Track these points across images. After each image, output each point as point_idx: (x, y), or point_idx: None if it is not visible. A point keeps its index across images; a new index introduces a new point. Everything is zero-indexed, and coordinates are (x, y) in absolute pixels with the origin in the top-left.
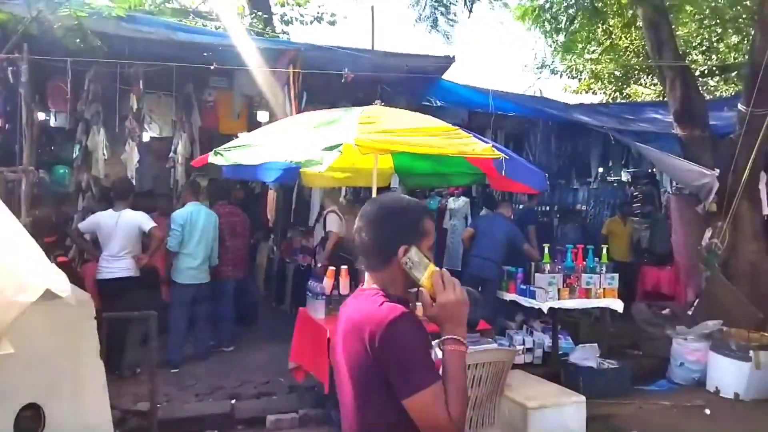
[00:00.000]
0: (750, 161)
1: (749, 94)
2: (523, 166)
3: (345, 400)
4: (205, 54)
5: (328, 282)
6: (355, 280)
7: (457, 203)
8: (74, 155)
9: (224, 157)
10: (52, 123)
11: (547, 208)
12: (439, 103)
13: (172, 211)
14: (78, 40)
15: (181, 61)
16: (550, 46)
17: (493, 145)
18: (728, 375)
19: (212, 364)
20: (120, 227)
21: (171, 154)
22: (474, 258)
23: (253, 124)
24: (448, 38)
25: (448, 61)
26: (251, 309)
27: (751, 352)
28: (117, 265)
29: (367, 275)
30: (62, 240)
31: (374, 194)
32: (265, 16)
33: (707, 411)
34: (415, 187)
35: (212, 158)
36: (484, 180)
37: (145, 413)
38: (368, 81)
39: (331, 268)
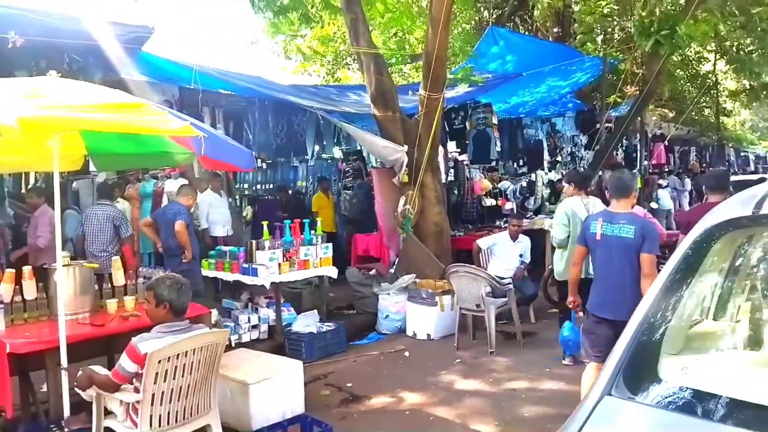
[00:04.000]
0: (430, 138)
1: (426, 80)
2: (228, 144)
3: None
4: None
5: (6, 287)
6: (44, 282)
7: (175, 185)
8: None
9: None
10: None
11: (270, 186)
12: (143, 78)
13: None
14: None
15: None
16: (265, 24)
17: (191, 123)
18: (421, 320)
19: None
20: None
21: None
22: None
23: None
24: None
25: (147, 31)
26: None
27: (437, 298)
28: None
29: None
30: None
31: (56, 180)
32: None
33: (407, 353)
34: (115, 170)
35: None
36: (193, 159)
37: None
38: (52, 48)
39: (10, 270)
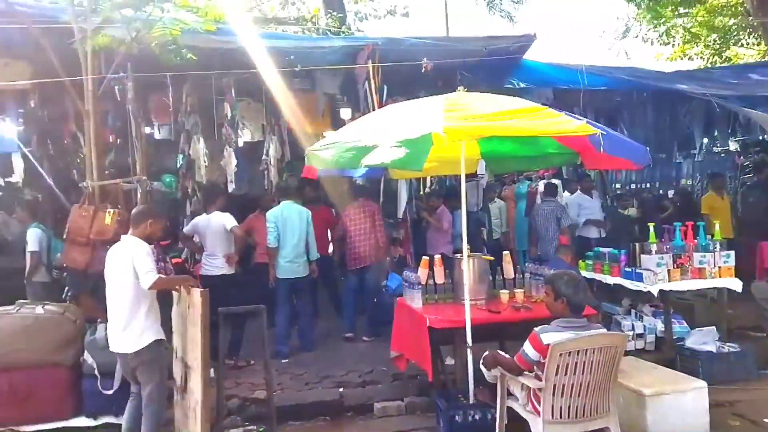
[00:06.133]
0: None
1: None
2: (622, 140)
3: None
4: (289, 58)
5: (422, 272)
6: (450, 269)
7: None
8: (178, 164)
9: (320, 159)
10: (156, 135)
11: (648, 185)
12: (522, 85)
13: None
14: (174, 56)
15: (266, 67)
16: (638, 9)
17: (587, 121)
18: None
19: (318, 354)
20: (210, 228)
21: (264, 157)
22: None
23: (336, 122)
24: (511, 19)
25: (529, 39)
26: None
27: None
28: (213, 263)
29: None
30: (175, 243)
31: (462, 181)
32: (340, 15)
33: None
34: (502, 172)
35: (309, 161)
36: (576, 159)
37: (264, 401)
38: (446, 69)
39: (425, 257)
